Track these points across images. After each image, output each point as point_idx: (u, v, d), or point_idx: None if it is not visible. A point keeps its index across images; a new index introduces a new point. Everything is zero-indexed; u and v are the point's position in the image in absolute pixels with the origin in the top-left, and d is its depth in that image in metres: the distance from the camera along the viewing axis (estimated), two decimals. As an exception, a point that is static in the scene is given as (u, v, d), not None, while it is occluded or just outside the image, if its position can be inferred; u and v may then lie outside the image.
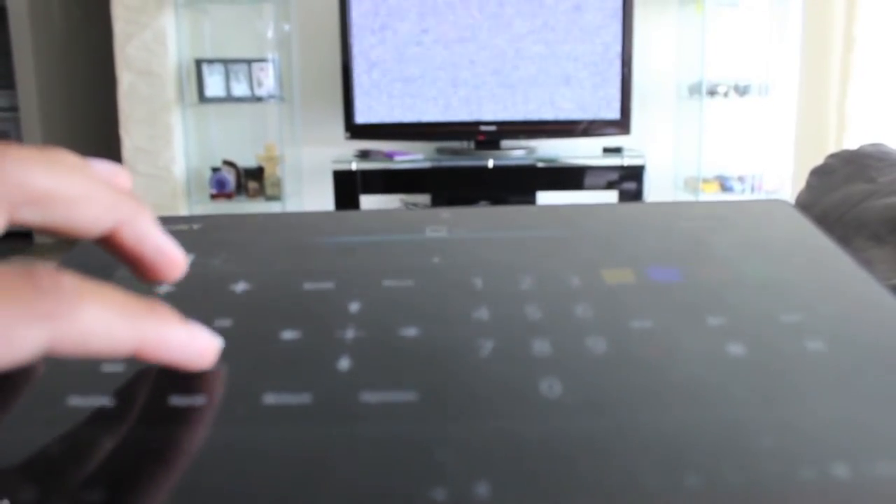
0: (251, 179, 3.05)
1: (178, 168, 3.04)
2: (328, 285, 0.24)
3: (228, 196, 3.02)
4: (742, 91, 2.97)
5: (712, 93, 2.95)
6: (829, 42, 2.54)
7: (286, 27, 3.07)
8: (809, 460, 0.16)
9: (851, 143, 1.95)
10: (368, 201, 2.91)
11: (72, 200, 0.19)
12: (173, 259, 0.21)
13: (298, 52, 3.09)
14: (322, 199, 3.08)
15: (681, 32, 3.06)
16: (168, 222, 0.29)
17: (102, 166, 0.21)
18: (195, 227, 0.29)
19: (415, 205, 3.01)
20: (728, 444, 0.17)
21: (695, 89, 2.98)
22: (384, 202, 3.00)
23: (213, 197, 3.02)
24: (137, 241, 0.21)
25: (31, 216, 0.18)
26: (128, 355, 0.18)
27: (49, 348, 0.17)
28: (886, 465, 0.16)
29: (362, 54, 2.89)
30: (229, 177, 3.03)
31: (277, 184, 3.00)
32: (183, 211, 3.04)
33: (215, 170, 3.05)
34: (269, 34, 3.06)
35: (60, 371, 0.20)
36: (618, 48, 2.87)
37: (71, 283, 0.17)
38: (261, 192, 3.03)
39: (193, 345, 0.20)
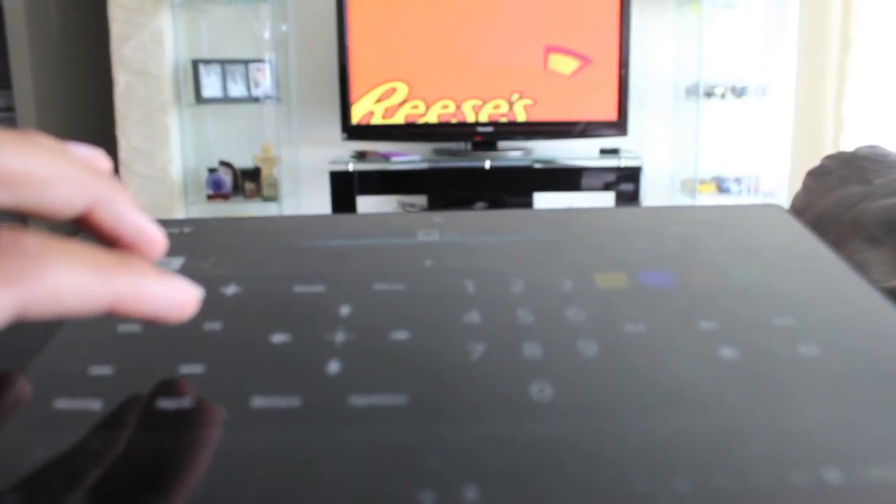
0: (248, 180, 3.05)
1: (175, 169, 3.04)
2: (319, 288, 0.24)
3: (225, 197, 3.02)
4: (739, 92, 2.97)
5: (709, 94, 2.95)
6: (825, 43, 2.54)
7: (283, 28, 3.07)
8: (801, 464, 0.16)
9: (848, 145, 1.95)
10: (365, 202, 2.91)
11: (44, 181, 0.18)
12: (153, 238, 0.21)
13: (295, 53, 3.09)
14: (319, 199, 3.08)
15: (678, 34, 3.06)
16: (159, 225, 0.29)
17: (80, 149, 0.21)
18: (185, 230, 0.29)
19: (412, 206, 3.00)
20: (719, 448, 0.17)
21: (692, 91, 2.98)
22: (381, 203, 3.00)
23: (210, 198, 3.02)
24: (115, 220, 0.20)
25: (2, 198, 0.18)
26: (103, 311, 0.18)
27: (19, 313, 0.16)
28: (878, 469, 0.16)
29: (359, 55, 2.89)
30: (226, 178, 3.03)
31: (274, 185, 3.00)
32: (180, 212, 3.04)
33: (212, 170, 3.05)
34: (266, 35, 3.06)
35: (47, 374, 0.20)
36: (615, 49, 2.87)
37: (35, 242, 0.16)
38: (258, 193, 3.03)
39: (172, 296, 0.19)
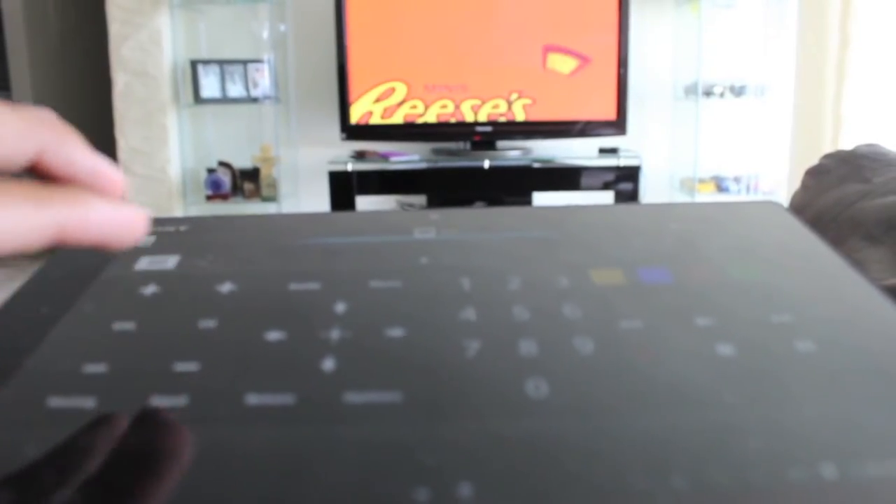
0: (247, 180, 3.04)
1: (174, 169, 3.03)
2: (314, 286, 0.24)
3: (224, 197, 3.02)
4: (738, 92, 2.97)
5: (708, 93, 2.95)
6: (824, 42, 2.54)
7: (282, 28, 3.07)
8: (798, 461, 0.16)
9: (847, 144, 1.95)
10: (364, 202, 2.91)
11: None
12: (109, 177, 0.21)
13: (294, 53, 3.09)
14: (318, 200, 3.08)
15: (677, 33, 3.06)
16: (155, 223, 0.29)
17: (25, 107, 0.20)
18: (182, 228, 0.29)
19: (410, 205, 3.00)
20: (716, 444, 0.17)
21: (691, 90, 2.98)
22: (380, 203, 3.00)
23: (209, 198, 3.02)
24: (66, 164, 0.20)
25: None
26: (51, 242, 0.18)
27: None
28: (874, 465, 0.16)
29: (358, 55, 2.89)
30: (225, 178, 3.03)
31: (273, 185, 3.00)
32: (178, 212, 3.03)
33: (211, 171, 3.05)
34: (265, 35, 3.06)
35: (41, 372, 0.20)
36: (614, 49, 2.87)
37: None
38: (257, 194, 3.03)
39: (117, 219, 0.19)
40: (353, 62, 2.89)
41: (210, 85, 3.00)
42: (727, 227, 0.29)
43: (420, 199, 2.97)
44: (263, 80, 3.01)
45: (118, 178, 0.21)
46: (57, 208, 0.18)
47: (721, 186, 3.01)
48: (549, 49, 2.90)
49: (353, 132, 2.93)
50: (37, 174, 0.20)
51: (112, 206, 0.19)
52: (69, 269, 0.24)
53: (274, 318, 0.22)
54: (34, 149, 0.19)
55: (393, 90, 2.92)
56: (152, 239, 0.28)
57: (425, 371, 0.20)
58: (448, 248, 0.27)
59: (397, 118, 2.92)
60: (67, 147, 0.20)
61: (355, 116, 2.92)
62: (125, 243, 0.20)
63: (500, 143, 2.98)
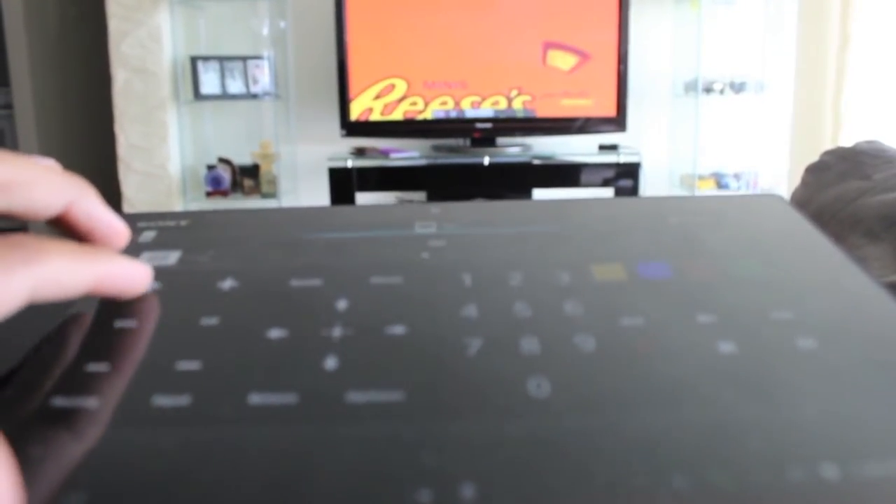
0: (247, 177, 3.04)
1: (174, 166, 3.03)
2: (316, 282, 0.24)
3: (224, 194, 3.02)
4: (738, 88, 2.97)
5: (708, 90, 2.95)
6: (824, 39, 2.54)
7: (282, 24, 3.06)
8: (799, 460, 0.16)
9: (847, 140, 1.95)
10: (364, 199, 2.91)
11: (28, 184, 0.21)
12: (120, 229, 0.24)
13: (294, 49, 3.09)
14: (318, 196, 3.08)
15: (677, 30, 3.06)
16: (155, 218, 0.29)
17: (38, 159, 0.23)
18: (182, 223, 0.29)
19: (410, 202, 3.00)
20: (717, 443, 0.17)
21: (691, 86, 2.97)
22: (380, 200, 3.00)
23: (209, 195, 3.02)
24: (88, 216, 0.23)
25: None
26: (88, 292, 0.21)
27: (32, 293, 0.19)
28: (876, 464, 0.16)
29: (358, 51, 2.89)
30: (225, 174, 3.03)
31: (273, 181, 3.00)
32: (178, 209, 3.03)
33: (211, 167, 3.05)
34: (265, 31, 3.05)
35: (43, 370, 0.20)
36: (614, 45, 2.87)
37: (32, 238, 0.19)
38: (256, 190, 3.03)
39: (132, 273, 0.23)
40: (352, 59, 2.89)
41: (210, 81, 3.00)
42: (728, 221, 0.29)
43: (420, 196, 2.97)
44: (263, 77, 3.01)
45: (125, 230, 0.24)
46: (96, 264, 0.21)
47: (721, 183, 3.01)
48: (548, 45, 2.89)
49: (353, 129, 2.92)
50: (58, 223, 0.23)
51: (128, 263, 0.22)
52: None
53: (276, 316, 0.22)
54: (66, 202, 0.22)
55: (393, 87, 2.91)
56: (153, 234, 0.28)
57: (427, 370, 0.20)
58: (449, 242, 0.27)
59: (397, 115, 2.92)
60: (89, 202, 0.23)
61: (355, 113, 2.92)
62: (135, 294, 0.23)
63: (500, 140, 2.98)
